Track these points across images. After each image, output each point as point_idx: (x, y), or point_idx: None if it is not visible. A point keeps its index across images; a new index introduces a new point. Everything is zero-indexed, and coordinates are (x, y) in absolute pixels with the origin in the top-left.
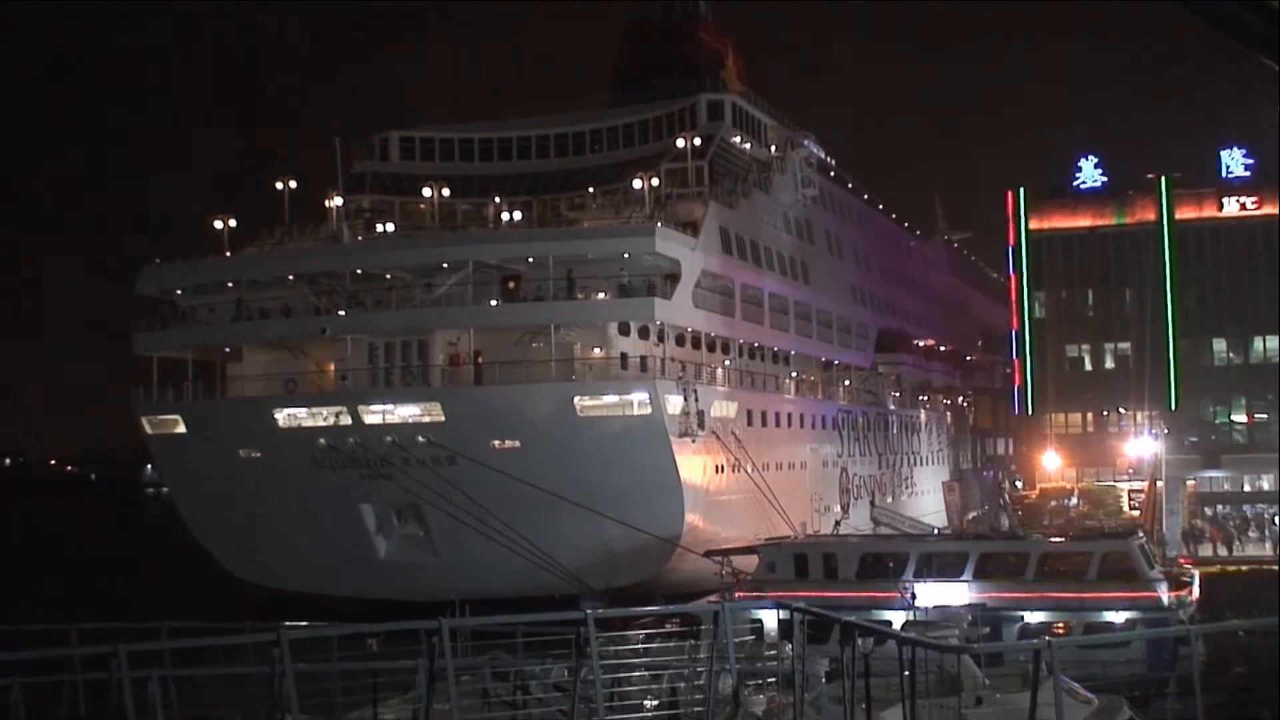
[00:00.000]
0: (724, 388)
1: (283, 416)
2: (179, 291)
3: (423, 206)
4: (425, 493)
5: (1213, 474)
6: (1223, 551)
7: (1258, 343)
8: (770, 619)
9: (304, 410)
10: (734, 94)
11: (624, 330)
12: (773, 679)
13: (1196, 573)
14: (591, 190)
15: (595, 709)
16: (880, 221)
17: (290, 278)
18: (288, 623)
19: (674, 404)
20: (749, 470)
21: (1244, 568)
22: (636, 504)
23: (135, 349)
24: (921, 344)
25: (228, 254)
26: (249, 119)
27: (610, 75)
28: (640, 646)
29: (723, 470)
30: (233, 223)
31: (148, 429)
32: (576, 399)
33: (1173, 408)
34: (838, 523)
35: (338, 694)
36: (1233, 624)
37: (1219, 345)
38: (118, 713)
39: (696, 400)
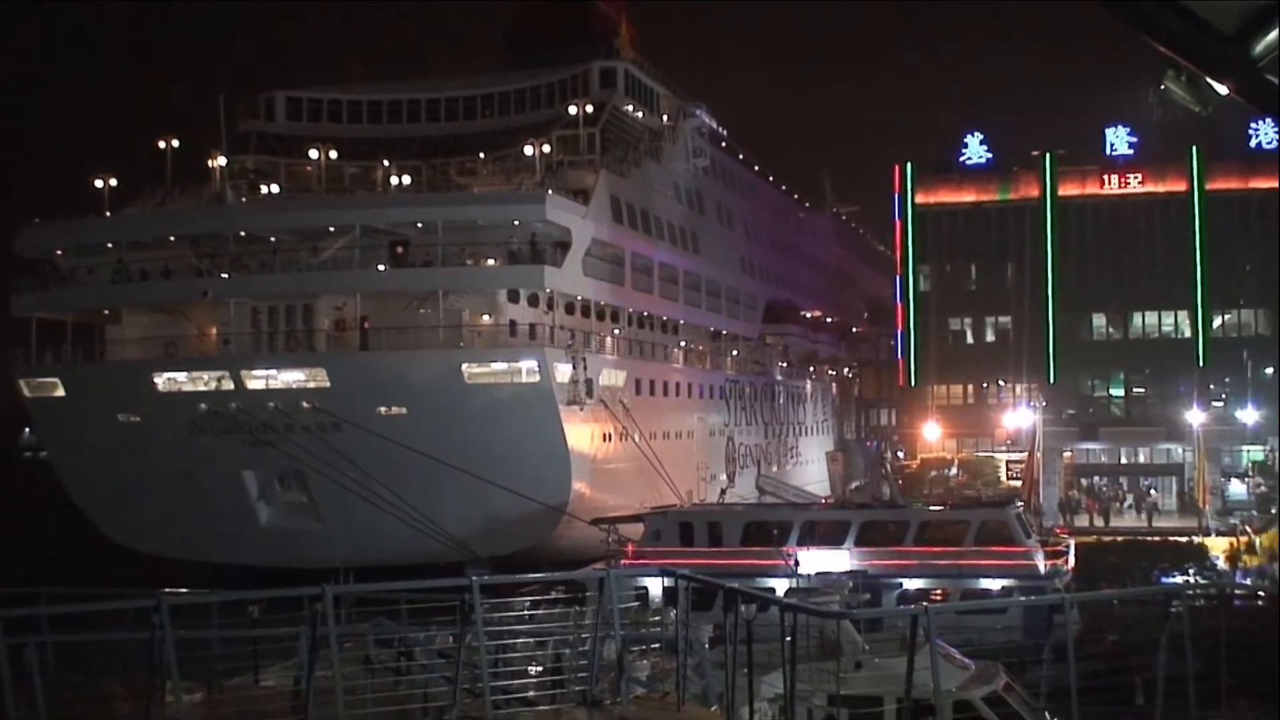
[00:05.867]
0: (613, 356)
1: (162, 380)
2: (59, 252)
3: (309, 168)
4: (309, 459)
5: (1090, 446)
6: (1099, 522)
7: (1137, 318)
8: (655, 586)
9: (184, 374)
10: (627, 62)
11: (513, 297)
12: (657, 645)
13: (1072, 542)
14: (482, 155)
15: (480, 675)
16: (770, 193)
17: (172, 239)
18: (168, 589)
19: (562, 372)
20: (636, 439)
21: (1119, 538)
22: (524, 471)
23: (13, 311)
24: (809, 315)
25: (108, 214)
26: (130, 75)
27: (502, 39)
28: (526, 613)
29: (610, 438)
30: (114, 182)
31: (25, 392)
32: (464, 366)
33: (1051, 381)
34: (724, 491)
35: (218, 661)
36: (1107, 593)
37: (1098, 320)
38: None
39: (585, 368)
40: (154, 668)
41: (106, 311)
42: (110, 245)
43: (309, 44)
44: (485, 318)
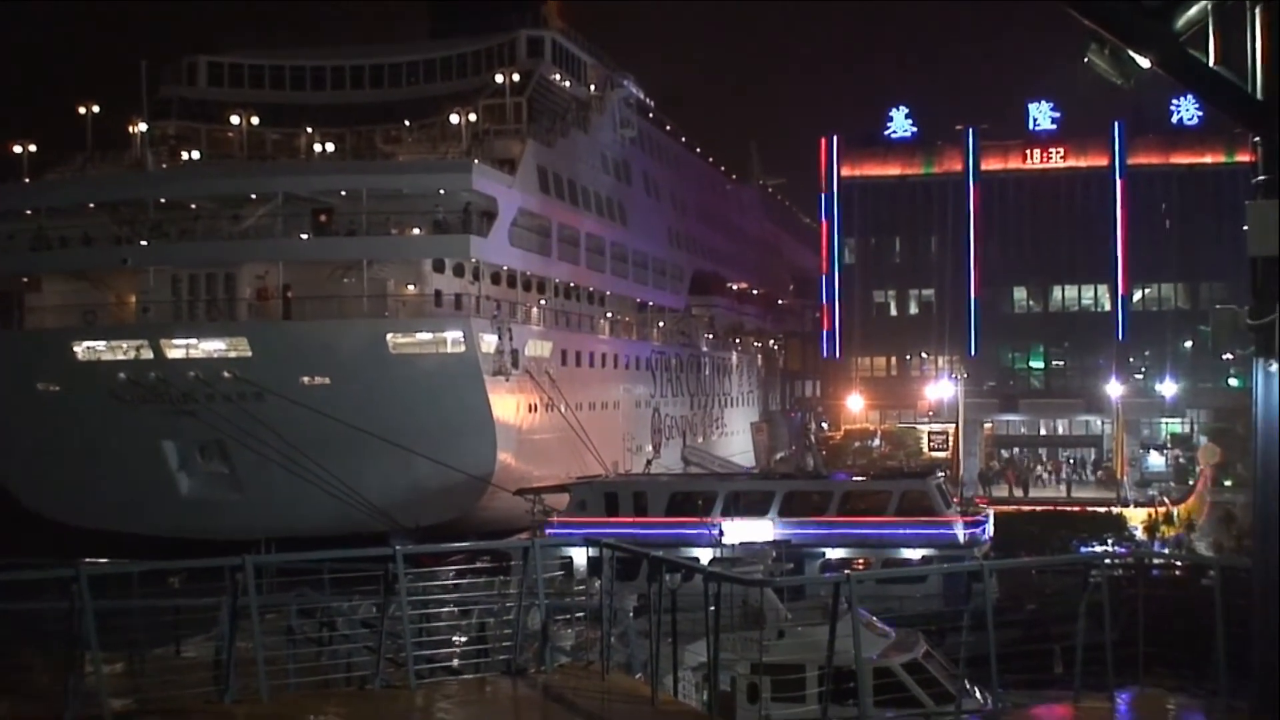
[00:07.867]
0: (539, 327)
1: (81, 349)
2: None
3: (231, 135)
4: (230, 429)
5: (1010, 418)
6: (1018, 492)
7: (1057, 291)
8: (580, 555)
9: (103, 343)
10: (554, 31)
11: (439, 267)
12: (581, 614)
13: (991, 512)
14: (407, 123)
15: (403, 645)
16: (697, 165)
17: (92, 206)
18: (87, 559)
19: (488, 342)
20: (562, 409)
21: (1038, 508)
22: (449, 442)
23: None
24: (735, 287)
25: (27, 180)
26: (50, 38)
27: (427, 6)
28: (450, 582)
29: (536, 409)
30: (33, 148)
31: None
32: (389, 336)
33: (972, 353)
34: (649, 462)
35: (139, 632)
36: (1026, 561)
37: (1019, 293)
38: None
39: (511, 339)
40: (73, 638)
41: (25, 279)
42: (29, 211)
43: (230, 9)
44: (410, 287)
